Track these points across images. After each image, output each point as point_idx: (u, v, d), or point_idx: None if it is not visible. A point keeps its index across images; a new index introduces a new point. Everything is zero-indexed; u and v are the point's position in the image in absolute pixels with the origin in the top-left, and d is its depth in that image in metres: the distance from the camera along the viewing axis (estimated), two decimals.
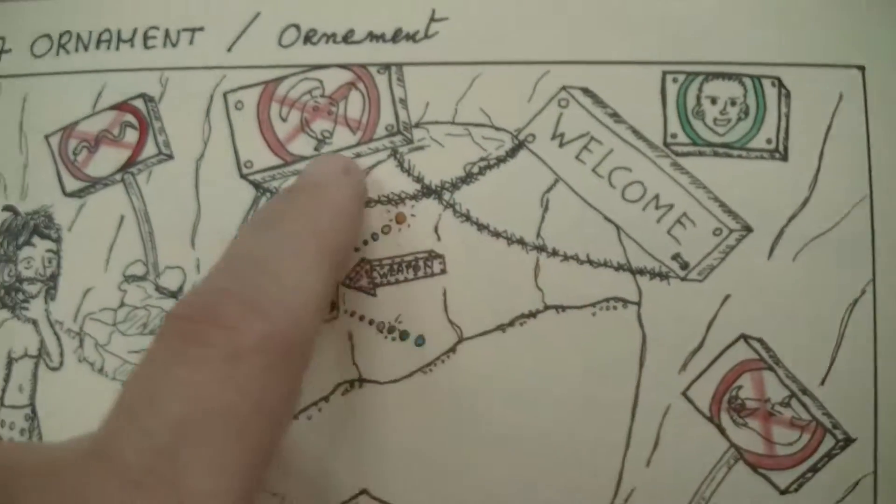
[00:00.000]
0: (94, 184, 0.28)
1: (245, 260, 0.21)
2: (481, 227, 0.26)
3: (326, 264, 0.22)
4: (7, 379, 0.28)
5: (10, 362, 0.28)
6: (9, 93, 0.28)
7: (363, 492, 0.26)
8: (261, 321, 0.19)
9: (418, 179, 0.26)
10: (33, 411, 0.28)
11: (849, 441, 0.25)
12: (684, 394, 0.25)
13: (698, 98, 0.26)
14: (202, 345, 0.18)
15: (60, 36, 0.28)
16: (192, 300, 0.20)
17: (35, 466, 0.18)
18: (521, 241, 0.26)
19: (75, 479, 0.17)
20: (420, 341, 0.26)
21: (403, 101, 0.26)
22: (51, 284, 0.28)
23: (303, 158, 0.27)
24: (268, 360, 0.18)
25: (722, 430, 0.25)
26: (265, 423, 0.18)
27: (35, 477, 0.18)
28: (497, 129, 0.26)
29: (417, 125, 0.26)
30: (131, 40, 0.27)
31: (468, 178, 0.26)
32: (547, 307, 0.26)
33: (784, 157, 0.25)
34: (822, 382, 0.25)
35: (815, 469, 0.25)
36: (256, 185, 0.27)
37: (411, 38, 0.26)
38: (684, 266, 0.25)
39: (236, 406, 0.18)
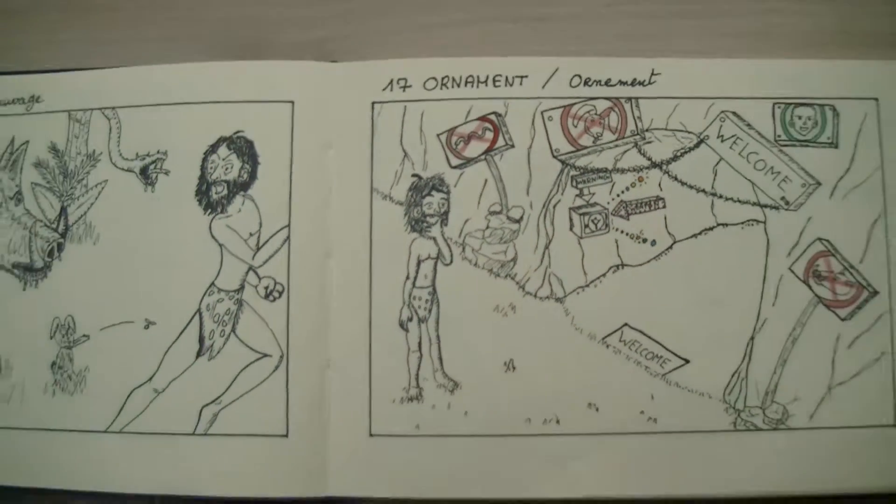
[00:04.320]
0: (468, 161, 0.49)
1: None
2: (690, 186, 0.49)
3: None
4: (417, 271, 0.48)
5: (419, 262, 0.48)
6: (411, 111, 0.49)
7: (624, 325, 0.48)
8: None
9: (649, 159, 0.49)
10: (434, 290, 0.48)
11: (875, 293, 0.48)
12: (790, 269, 0.48)
13: None
14: None
15: (442, 79, 0.49)
16: None
17: None
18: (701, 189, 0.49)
19: None
20: (653, 243, 0.48)
21: (640, 118, 0.49)
22: (444, 217, 0.49)
23: (584, 148, 0.49)
24: None
25: (809, 287, 0.48)
26: None
27: None
28: (688, 132, 0.49)
29: (647, 130, 0.49)
30: (486, 82, 0.49)
31: (674, 158, 0.49)
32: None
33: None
34: (861, 261, 0.49)
35: (858, 307, 0.48)
36: (562, 162, 0.49)
37: (640, 83, 0.49)
38: (787, 202, 0.49)
39: None
